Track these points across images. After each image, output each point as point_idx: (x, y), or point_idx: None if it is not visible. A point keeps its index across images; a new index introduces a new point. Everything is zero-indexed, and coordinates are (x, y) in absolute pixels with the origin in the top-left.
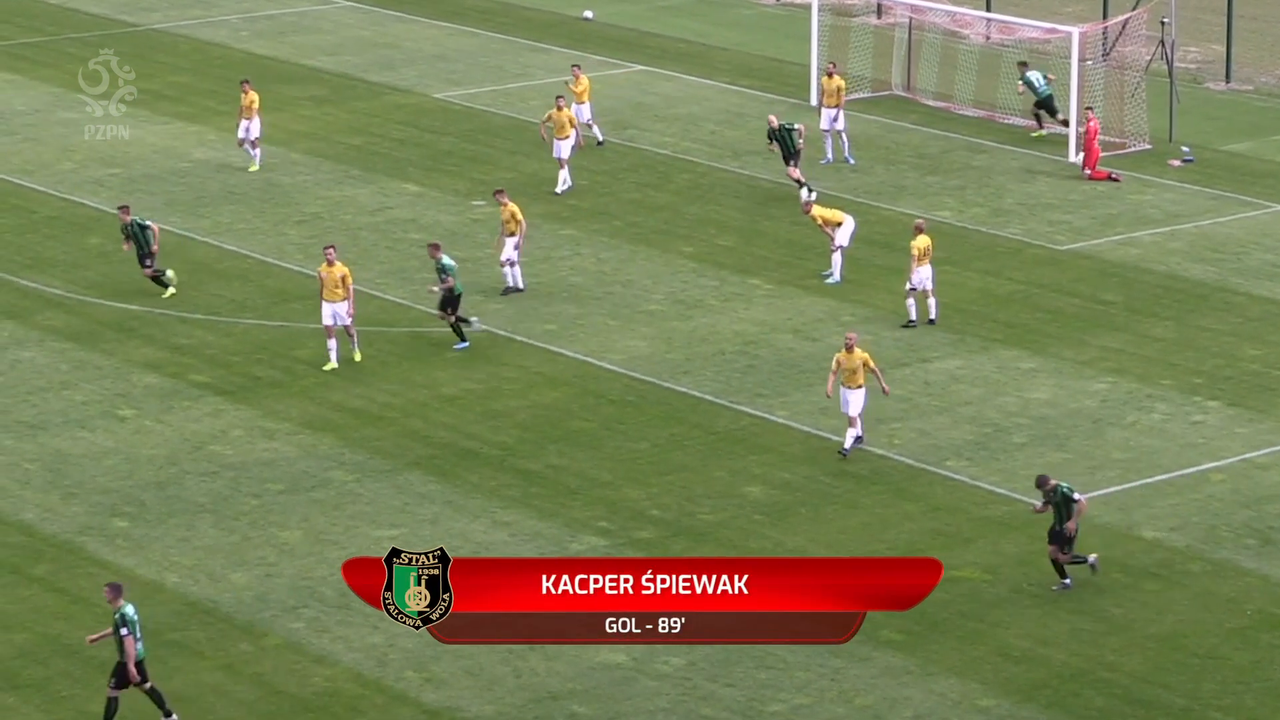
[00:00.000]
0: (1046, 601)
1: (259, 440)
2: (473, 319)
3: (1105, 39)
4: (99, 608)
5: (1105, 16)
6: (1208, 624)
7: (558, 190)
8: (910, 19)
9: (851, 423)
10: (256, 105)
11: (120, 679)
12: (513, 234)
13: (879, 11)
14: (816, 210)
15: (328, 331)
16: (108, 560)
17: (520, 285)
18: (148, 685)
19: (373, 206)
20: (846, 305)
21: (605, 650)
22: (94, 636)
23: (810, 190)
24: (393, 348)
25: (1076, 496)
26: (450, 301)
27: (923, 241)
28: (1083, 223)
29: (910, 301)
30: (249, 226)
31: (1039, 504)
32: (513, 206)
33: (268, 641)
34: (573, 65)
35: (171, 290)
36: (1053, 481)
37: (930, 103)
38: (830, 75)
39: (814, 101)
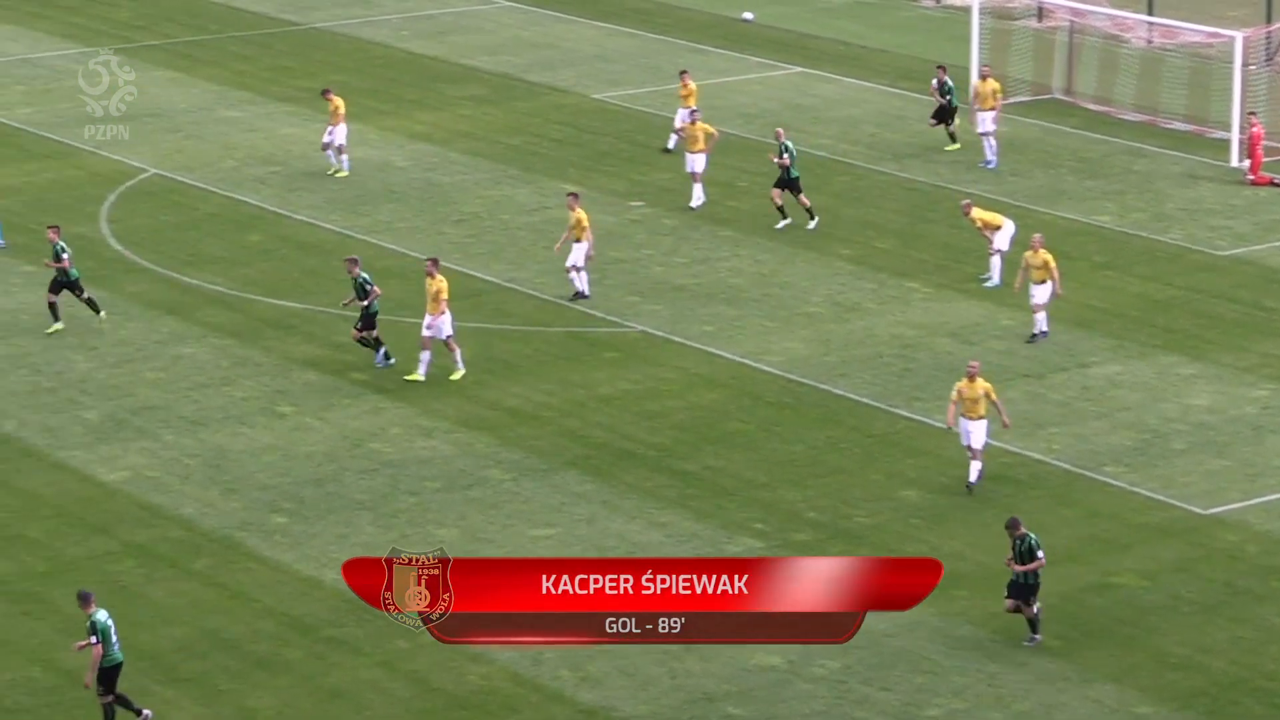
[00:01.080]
0: (1205, 609)
1: (417, 438)
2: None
3: (1269, 43)
4: (258, 603)
5: (1269, 20)
6: None
7: (692, 205)
8: (1071, 22)
9: (974, 455)
10: (342, 112)
11: (107, 683)
12: (579, 240)
13: (1040, 14)
14: (976, 213)
15: (421, 343)
16: (266, 556)
17: (585, 291)
18: (108, 698)
19: (531, 206)
20: (1004, 310)
21: (761, 652)
22: (80, 644)
23: (785, 218)
24: (550, 347)
25: (1040, 554)
26: (367, 319)
27: (1042, 257)
28: (1245, 228)
29: (1041, 314)
30: (408, 225)
31: (1012, 559)
32: (580, 213)
33: (424, 639)
34: (681, 71)
35: (59, 326)
36: (1023, 529)
37: (1091, 106)
38: (985, 78)
39: (972, 104)
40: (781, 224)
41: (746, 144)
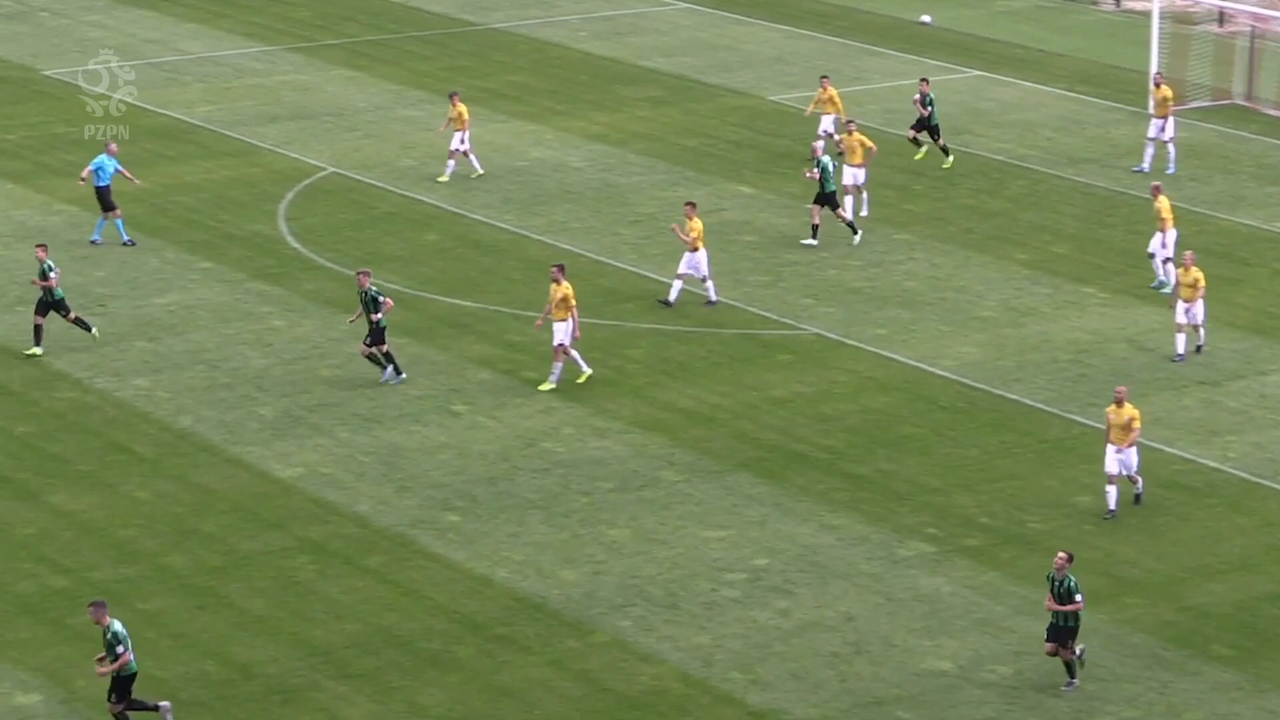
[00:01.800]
0: None
1: (590, 438)
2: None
3: None
4: (430, 600)
5: None
6: None
7: (848, 217)
8: (1253, 27)
9: (1132, 480)
10: (466, 117)
11: (121, 691)
12: (695, 250)
13: (1221, 19)
14: (1163, 200)
15: (556, 351)
16: (439, 553)
17: (672, 300)
18: (119, 707)
19: (706, 208)
20: None
21: (931, 656)
22: (100, 656)
23: (856, 233)
24: (724, 349)
25: (1079, 597)
26: (376, 334)
27: (1193, 275)
28: None
29: (1181, 336)
30: (584, 226)
31: (1052, 598)
32: (696, 221)
33: (595, 639)
34: (821, 76)
35: (37, 350)
36: (1067, 569)
37: (1272, 112)
38: (1158, 85)
39: (1150, 109)
40: (808, 241)
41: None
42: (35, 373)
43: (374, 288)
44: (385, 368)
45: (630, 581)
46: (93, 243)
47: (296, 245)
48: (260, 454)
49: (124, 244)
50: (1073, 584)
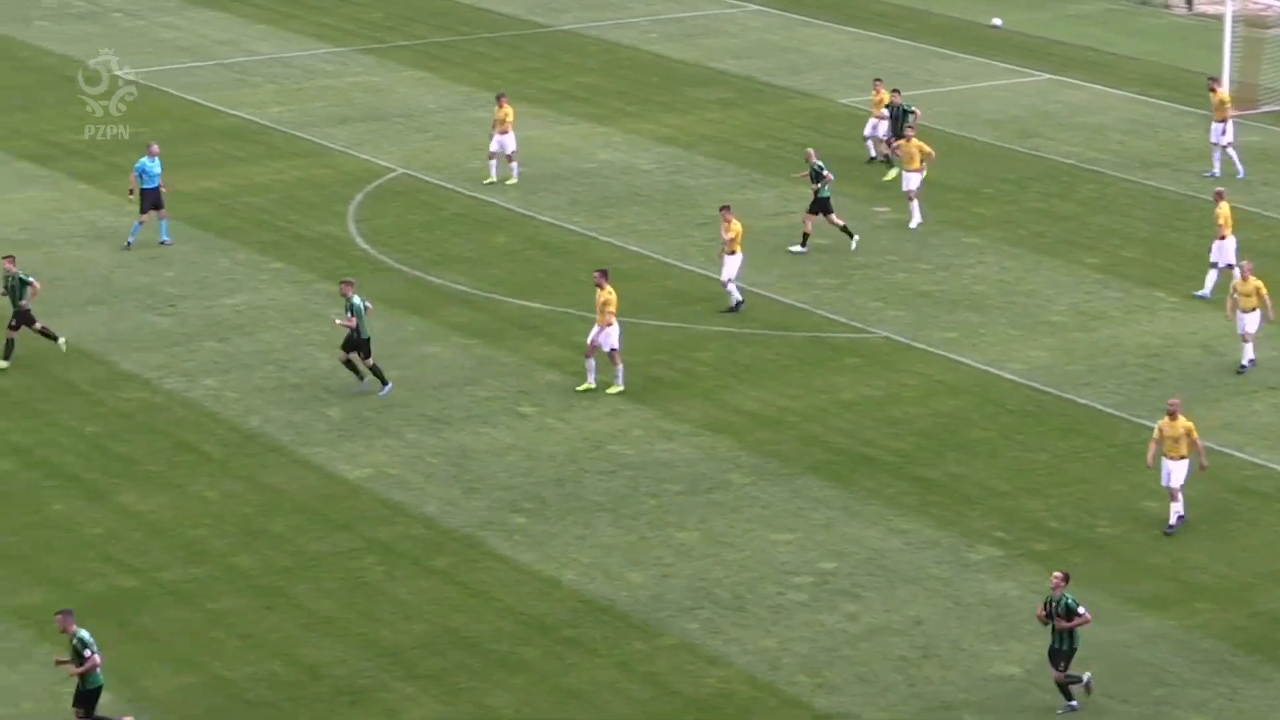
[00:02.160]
0: None
1: (658, 441)
2: (385, 384)
3: None
4: (498, 602)
5: None
6: None
7: (911, 226)
8: None
9: (1173, 496)
10: (511, 119)
11: (88, 705)
12: (734, 253)
13: None
14: (1225, 206)
15: (587, 350)
16: (507, 555)
17: (742, 300)
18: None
19: (774, 210)
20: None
21: (999, 662)
22: (61, 660)
23: (804, 246)
24: (792, 351)
25: (1081, 610)
26: (355, 344)
27: (1253, 284)
28: None
29: (1247, 344)
30: (652, 228)
31: (1041, 610)
32: (737, 225)
33: (662, 641)
34: (875, 79)
35: (4, 365)
36: (1064, 589)
37: None
38: (1213, 90)
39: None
40: (797, 248)
41: (992, 150)
42: (103, 373)
43: (358, 300)
44: (360, 378)
45: (698, 584)
46: (161, 243)
47: (366, 246)
48: (328, 455)
49: (127, 244)
50: (1071, 602)
